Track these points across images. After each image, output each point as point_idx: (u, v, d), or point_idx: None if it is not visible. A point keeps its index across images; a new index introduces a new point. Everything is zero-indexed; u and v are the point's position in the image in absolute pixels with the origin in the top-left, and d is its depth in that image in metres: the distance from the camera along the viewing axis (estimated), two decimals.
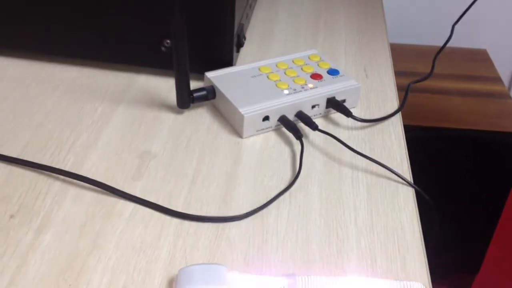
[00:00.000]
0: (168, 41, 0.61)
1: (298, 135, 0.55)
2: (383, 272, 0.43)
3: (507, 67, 1.49)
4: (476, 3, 1.30)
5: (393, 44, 1.29)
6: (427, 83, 1.20)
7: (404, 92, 0.65)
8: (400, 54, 1.28)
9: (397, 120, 0.60)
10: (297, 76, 0.60)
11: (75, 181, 0.49)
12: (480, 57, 1.33)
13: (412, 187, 0.51)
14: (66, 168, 0.50)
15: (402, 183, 0.51)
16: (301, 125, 0.57)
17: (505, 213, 1.21)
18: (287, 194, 0.50)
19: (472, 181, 1.16)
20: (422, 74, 0.73)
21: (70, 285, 0.40)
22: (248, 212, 0.47)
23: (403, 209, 0.49)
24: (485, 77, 1.26)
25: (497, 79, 1.25)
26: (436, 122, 1.11)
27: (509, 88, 1.51)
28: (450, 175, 1.16)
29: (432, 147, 1.13)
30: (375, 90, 0.65)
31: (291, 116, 0.57)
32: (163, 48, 0.61)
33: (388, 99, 0.63)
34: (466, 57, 1.32)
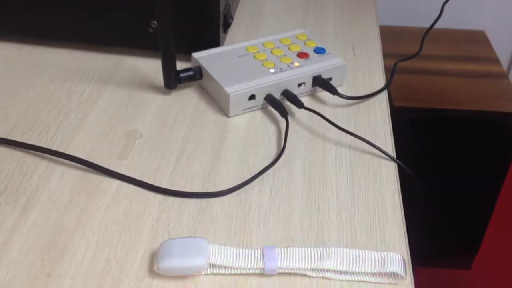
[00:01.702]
0: (155, 22, 0.61)
1: (284, 113, 0.55)
2: (362, 243, 0.43)
3: (506, 48, 1.48)
4: None
5: (386, 26, 1.29)
6: (426, 64, 1.20)
7: (395, 73, 0.65)
8: (393, 36, 1.27)
9: (383, 98, 0.60)
10: (284, 55, 0.61)
11: (61, 160, 0.50)
12: (478, 38, 1.33)
13: (394, 161, 0.51)
14: (53, 148, 0.51)
15: (385, 158, 0.52)
16: (288, 104, 0.58)
17: (503, 192, 1.21)
18: (271, 170, 0.50)
19: (470, 161, 1.16)
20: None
21: (54, 259, 0.41)
22: (232, 188, 0.48)
23: (384, 183, 0.49)
24: (484, 58, 1.26)
25: (496, 60, 1.24)
26: (434, 104, 1.11)
27: (508, 70, 1.51)
28: (447, 155, 1.16)
29: (429, 129, 1.13)
30: (363, 69, 0.65)
31: (277, 95, 0.58)
32: (150, 29, 0.62)
33: (375, 77, 0.64)
34: (465, 39, 1.32)
